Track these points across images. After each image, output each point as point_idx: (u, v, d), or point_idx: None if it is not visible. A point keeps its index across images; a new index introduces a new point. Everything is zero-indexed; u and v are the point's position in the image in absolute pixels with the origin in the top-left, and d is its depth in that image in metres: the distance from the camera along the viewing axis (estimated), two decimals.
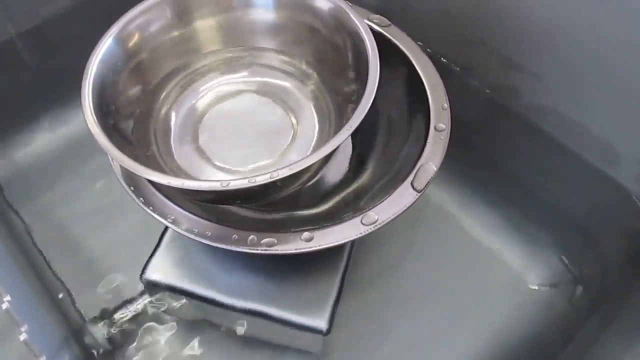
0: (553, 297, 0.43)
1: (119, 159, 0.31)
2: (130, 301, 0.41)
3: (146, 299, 0.41)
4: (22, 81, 0.53)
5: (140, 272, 0.40)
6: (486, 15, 0.45)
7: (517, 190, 0.47)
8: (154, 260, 0.41)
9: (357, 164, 0.41)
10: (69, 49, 0.54)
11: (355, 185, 0.40)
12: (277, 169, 0.30)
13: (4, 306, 0.24)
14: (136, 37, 0.38)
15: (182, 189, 0.31)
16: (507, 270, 0.44)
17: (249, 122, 0.40)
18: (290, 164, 0.30)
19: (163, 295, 0.40)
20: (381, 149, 0.40)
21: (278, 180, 0.30)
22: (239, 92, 0.42)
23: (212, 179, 0.33)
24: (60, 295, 0.41)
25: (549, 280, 0.43)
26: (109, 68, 0.35)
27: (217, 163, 0.39)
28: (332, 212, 0.38)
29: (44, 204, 0.46)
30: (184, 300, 0.40)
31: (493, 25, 0.45)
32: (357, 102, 0.36)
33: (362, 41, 0.35)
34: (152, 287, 0.40)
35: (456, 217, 0.46)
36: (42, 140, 0.50)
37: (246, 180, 0.30)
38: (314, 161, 0.30)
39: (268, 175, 0.30)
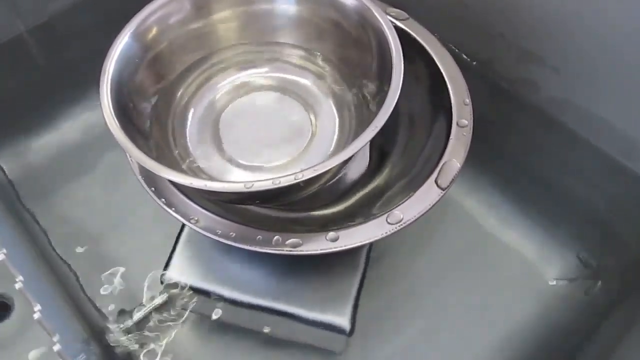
0: (572, 292, 0.42)
1: (141, 159, 0.31)
2: (150, 300, 0.41)
3: (165, 297, 0.41)
4: (33, 78, 0.52)
5: (159, 271, 0.40)
6: (504, 7, 0.44)
7: (535, 184, 0.46)
8: (174, 261, 0.41)
9: (378, 161, 0.40)
10: (78, 44, 0.53)
11: (375, 183, 0.39)
12: (302, 170, 0.30)
13: (36, 316, 0.24)
14: (154, 32, 0.37)
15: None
16: (526, 265, 0.43)
17: (268, 119, 0.40)
18: (315, 165, 0.30)
19: (183, 294, 0.40)
20: (402, 146, 0.40)
21: (302, 181, 0.30)
22: (258, 88, 0.41)
23: (236, 180, 0.33)
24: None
25: (568, 274, 0.43)
26: (126, 65, 0.35)
27: (237, 160, 0.38)
28: (353, 210, 0.38)
29: (56, 203, 0.46)
30: (203, 299, 0.40)
31: (511, 17, 0.44)
32: (378, 100, 0.35)
33: (385, 39, 0.34)
34: (173, 288, 0.40)
35: (474, 211, 0.45)
36: (54, 137, 0.49)
37: (270, 182, 0.29)
38: (339, 162, 0.30)
39: (292, 177, 0.30)
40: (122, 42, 0.34)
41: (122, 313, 0.40)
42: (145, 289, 0.41)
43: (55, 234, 0.44)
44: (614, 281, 0.42)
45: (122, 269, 0.42)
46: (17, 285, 0.25)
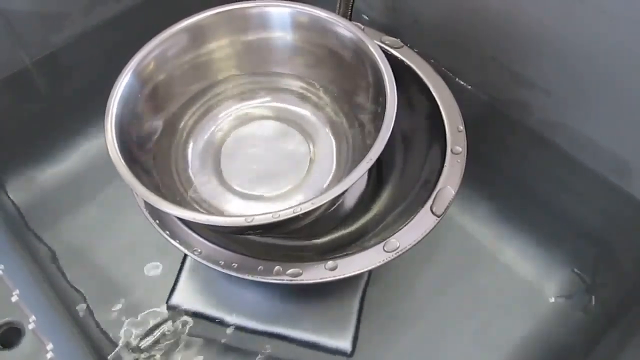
0: (570, 309, 0.43)
1: (145, 195, 0.32)
2: (156, 327, 0.42)
3: (171, 324, 0.42)
4: (38, 109, 0.53)
5: (164, 297, 0.41)
6: (495, 31, 0.45)
7: (530, 204, 0.47)
8: (179, 287, 0.42)
9: (375, 188, 0.41)
10: (82, 75, 0.54)
11: (373, 210, 0.40)
12: (300, 204, 0.31)
13: (49, 356, 0.25)
14: (155, 69, 0.38)
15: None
16: (524, 283, 0.44)
17: (268, 149, 0.41)
18: (313, 199, 0.31)
19: (188, 320, 0.41)
20: (398, 173, 0.41)
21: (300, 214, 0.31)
22: (257, 119, 0.42)
23: (237, 214, 0.34)
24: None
25: (565, 292, 0.43)
26: (129, 102, 0.36)
27: (238, 190, 0.39)
28: (353, 236, 0.39)
29: (63, 231, 0.46)
30: (208, 325, 0.41)
31: (502, 41, 0.45)
32: (374, 127, 0.36)
33: (380, 72, 0.35)
34: (178, 313, 0.41)
35: (471, 230, 0.46)
36: (61, 167, 0.50)
37: (270, 216, 0.30)
38: (335, 195, 0.31)
39: (291, 210, 0.31)
40: (124, 81, 0.35)
41: (129, 339, 0.41)
42: (151, 315, 0.42)
43: (60, 260, 0.45)
44: (611, 298, 0.43)
45: (128, 296, 0.43)
46: (30, 326, 0.26)
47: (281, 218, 0.30)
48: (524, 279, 0.44)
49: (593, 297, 0.43)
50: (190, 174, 0.39)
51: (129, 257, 0.45)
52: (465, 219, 0.46)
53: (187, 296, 0.41)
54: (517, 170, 0.48)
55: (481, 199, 0.47)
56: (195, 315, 0.41)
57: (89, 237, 0.46)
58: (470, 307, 0.43)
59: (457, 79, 0.50)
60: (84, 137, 0.51)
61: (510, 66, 0.46)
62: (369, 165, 0.32)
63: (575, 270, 0.44)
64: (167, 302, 0.42)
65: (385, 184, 0.41)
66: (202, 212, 0.31)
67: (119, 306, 0.43)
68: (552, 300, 0.43)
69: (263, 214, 0.31)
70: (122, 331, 0.41)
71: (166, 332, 0.41)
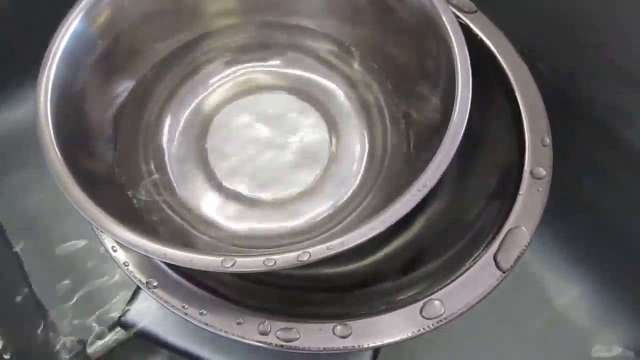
0: None
1: (80, 204, 0.22)
2: (112, 328, 0.35)
3: (123, 337, 0.35)
4: None
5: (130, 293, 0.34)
6: (609, 12, 0.34)
7: (616, 247, 0.37)
8: (140, 299, 0.32)
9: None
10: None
11: (408, 236, 0.30)
12: (308, 248, 0.21)
13: None
14: (114, 13, 0.28)
15: None
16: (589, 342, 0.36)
17: (274, 132, 0.31)
18: (329, 243, 0.21)
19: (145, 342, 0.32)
20: (449, 195, 0.30)
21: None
22: (262, 89, 0.32)
23: (211, 253, 0.24)
24: None
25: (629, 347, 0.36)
26: (76, 62, 0.25)
27: (227, 187, 0.30)
28: (379, 272, 0.29)
29: (9, 199, 0.39)
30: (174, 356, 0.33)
31: (615, 26, 0.34)
32: (427, 126, 0.27)
33: (450, 53, 0.24)
34: (133, 331, 0.32)
35: (535, 274, 0.37)
36: (11, 115, 0.42)
37: (260, 261, 0.21)
38: (361, 241, 0.21)
39: (295, 255, 0.21)
40: (71, 29, 0.25)
41: (76, 343, 0.35)
42: (106, 314, 0.36)
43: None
44: None
45: (83, 287, 0.37)
46: None
47: (278, 267, 0.20)
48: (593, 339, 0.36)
49: None
50: (167, 167, 0.30)
51: (89, 236, 0.37)
52: (527, 258, 0.37)
53: (148, 313, 0.32)
54: (604, 200, 0.38)
55: (550, 234, 0.38)
56: (157, 342, 0.32)
57: (42, 210, 0.39)
58: None
59: (538, 64, 0.38)
60: (29, 82, 0.41)
61: (617, 59, 0.34)
62: (420, 197, 0.22)
63: None
64: (122, 314, 0.32)
65: (428, 205, 0.30)
66: (157, 241, 0.21)
67: (69, 296, 0.36)
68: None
69: (250, 256, 0.21)
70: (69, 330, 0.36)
71: (121, 340, 0.35)
